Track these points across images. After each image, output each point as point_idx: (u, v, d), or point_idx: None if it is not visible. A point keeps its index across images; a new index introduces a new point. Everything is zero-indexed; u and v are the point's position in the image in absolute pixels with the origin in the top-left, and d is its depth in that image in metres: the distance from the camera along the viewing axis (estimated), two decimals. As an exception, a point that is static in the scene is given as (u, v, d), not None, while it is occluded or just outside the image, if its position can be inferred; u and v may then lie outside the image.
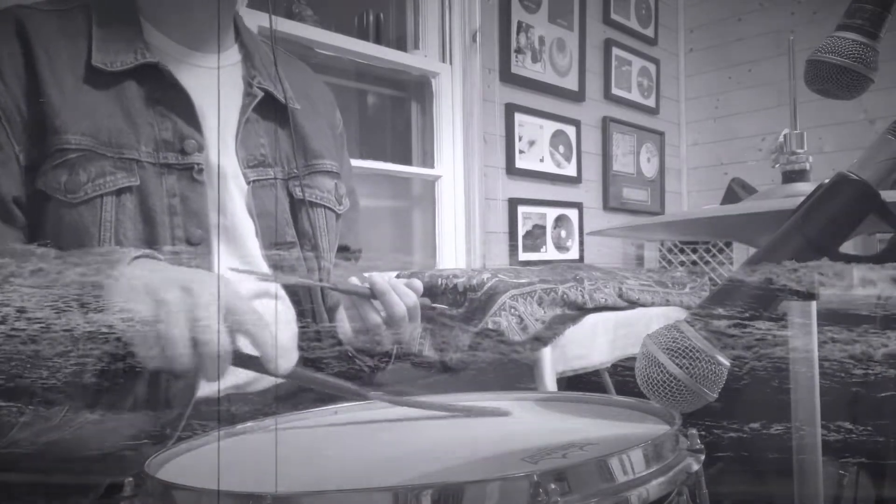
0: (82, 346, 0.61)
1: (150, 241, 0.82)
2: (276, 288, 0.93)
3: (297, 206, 0.97)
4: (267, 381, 0.90)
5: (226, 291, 0.63)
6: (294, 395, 0.92)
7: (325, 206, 1.00)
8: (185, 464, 0.58)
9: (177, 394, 0.81)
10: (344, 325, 0.92)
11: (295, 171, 0.97)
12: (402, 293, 0.86)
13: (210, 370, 0.61)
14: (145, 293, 0.62)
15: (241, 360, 0.64)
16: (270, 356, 0.63)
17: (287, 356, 0.65)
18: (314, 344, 0.96)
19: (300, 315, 0.95)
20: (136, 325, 0.61)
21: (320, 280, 0.97)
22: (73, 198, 0.79)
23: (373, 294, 0.85)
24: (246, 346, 0.65)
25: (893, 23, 0.76)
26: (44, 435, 0.75)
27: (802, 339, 0.74)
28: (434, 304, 0.89)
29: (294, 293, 0.95)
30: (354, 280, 0.87)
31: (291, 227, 0.95)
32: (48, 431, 0.76)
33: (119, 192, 0.81)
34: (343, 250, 1.08)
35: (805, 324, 0.74)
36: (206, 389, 0.82)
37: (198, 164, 0.86)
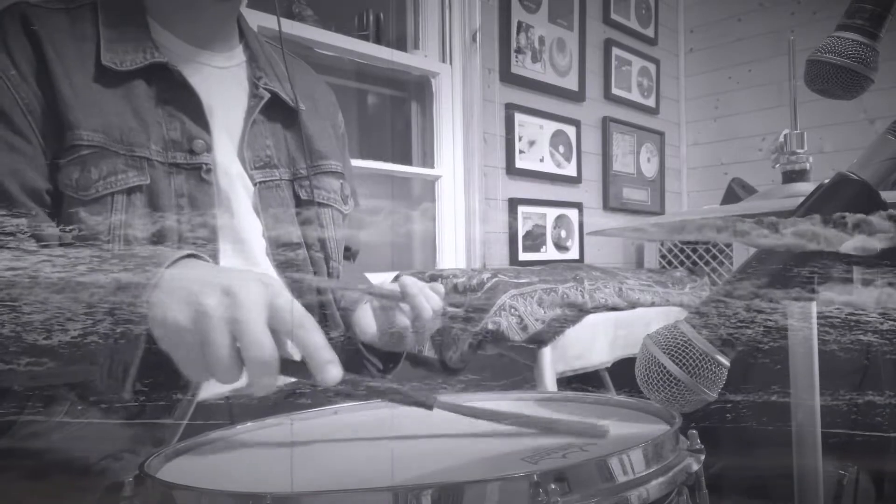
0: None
1: (158, 240, 0.82)
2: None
3: (303, 206, 0.97)
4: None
5: (269, 292, 0.59)
6: (296, 397, 0.92)
7: (331, 207, 1.01)
8: (185, 464, 0.58)
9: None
10: (369, 325, 0.92)
11: (301, 171, 0.97)
12: (429, 296, 0.87)
13: (256, 376, 0.56)
14: (184, 297, 0.58)
15: (289, 367, 0.58)
16: (320, 362, 0.57)
17: (336, 364, 0.58)
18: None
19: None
20: (172, 332, 0.57)
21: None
22: (85, 195, 0.79)
23: (402, 297, 0.86)
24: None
25: (893, 23, 0.76)
26: (43, 435, 0.75)
27: (802, 339, 0.73)
28: (450, 308, 0.89)
29: (300, 293, 0.95)
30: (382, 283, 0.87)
31: (297, 227, 0.96)
32: (48, 432, 0.76)
33: (129, 191, 0.81)
34: (344, 250, 1.08)
35: (804, 324, 0.74)
36: (207, 392, 0.82)
37: (206, 164, 0.86)
